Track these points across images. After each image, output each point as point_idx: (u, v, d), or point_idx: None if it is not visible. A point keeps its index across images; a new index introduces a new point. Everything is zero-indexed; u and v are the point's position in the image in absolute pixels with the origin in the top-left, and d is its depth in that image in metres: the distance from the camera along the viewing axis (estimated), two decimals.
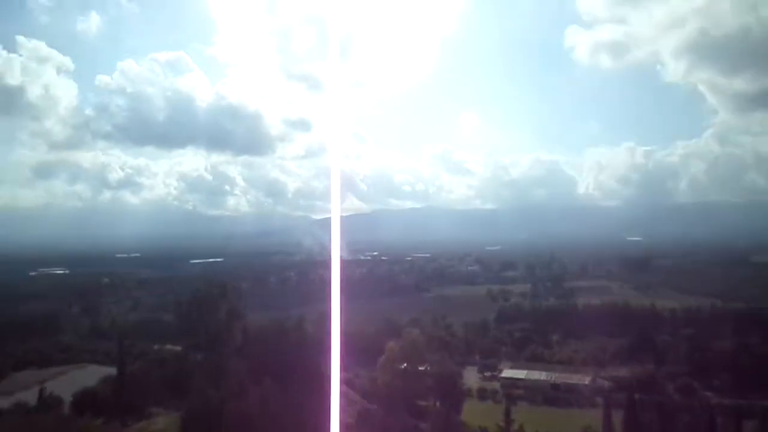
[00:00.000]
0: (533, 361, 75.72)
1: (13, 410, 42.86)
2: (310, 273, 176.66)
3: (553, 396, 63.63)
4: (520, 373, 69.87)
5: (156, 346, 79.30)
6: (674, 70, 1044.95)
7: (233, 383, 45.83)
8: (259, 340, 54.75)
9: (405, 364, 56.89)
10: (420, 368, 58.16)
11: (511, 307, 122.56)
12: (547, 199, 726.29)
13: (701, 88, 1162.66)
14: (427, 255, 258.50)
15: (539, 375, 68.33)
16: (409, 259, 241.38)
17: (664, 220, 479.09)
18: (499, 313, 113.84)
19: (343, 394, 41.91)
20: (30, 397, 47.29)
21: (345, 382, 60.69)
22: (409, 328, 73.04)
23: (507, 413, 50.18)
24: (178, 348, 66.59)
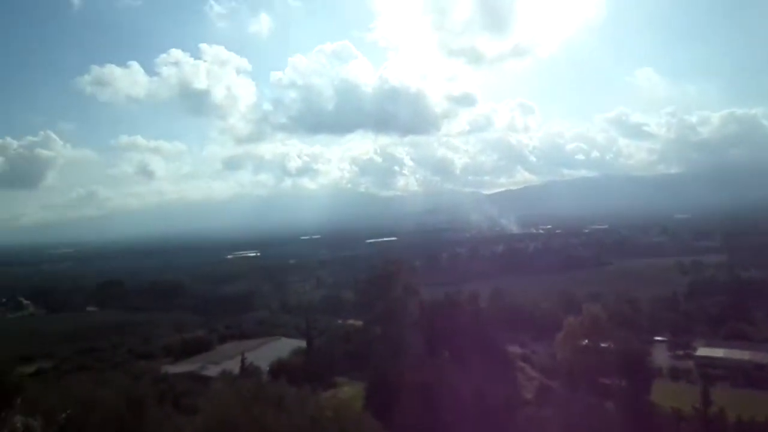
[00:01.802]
0: (732, 339, 67.74)
1: (221, 377, 47.43)
2: (481, 248, 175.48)
3: (758, 377, 56.34)
4: (717, 352, 62.87)
5: (339, 321, 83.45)
6: None
7: (411, 356, 46.46)
8: (434, 315, 54.96)
9: (586, 341, 53.70)
10: (602, 345, 54.58)
11: (704, 280, 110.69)
12: (745, 158, 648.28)
13: None
14: (605, 226, 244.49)
15: (741, 354, 60.90)
16: (586, 231, 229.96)
17: None
18: (690, 287, 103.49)
19: (520, 369, 40.42)
20: (233, 365, 51.56)
21: (522, 357, 59.12)
22: (589, 302, 68.96)
23: (704, 394, 45.18)
24: (359, 323, 69.31)
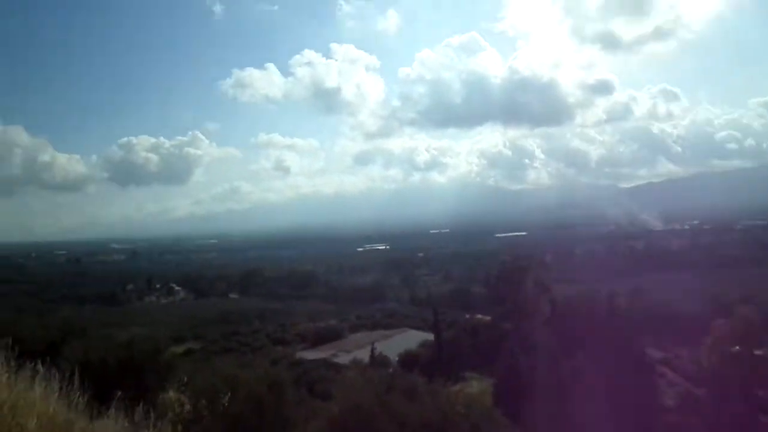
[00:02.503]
0: None
1: (352, 365, 48.93)
2: (618, 245, 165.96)
3: None
4: None
5: (467, 315, 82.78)
6: None
7: (543, 354, 44.92)
8: (567, 313, 52.77)
9: (737, 347, 48.96)
10: (756, 352, 49.47)
11: None
12: None
13: None
14: (762, 222, 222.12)
15: None
16: (738, 227, 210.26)
17: None
18: None
19: (660, 375, 37.58)
20: (363, 354, 52.87)
21: (663, 362, 55.17)
22: (742, 305, 62.82)
23: None
24: (488, 318, 68.29)
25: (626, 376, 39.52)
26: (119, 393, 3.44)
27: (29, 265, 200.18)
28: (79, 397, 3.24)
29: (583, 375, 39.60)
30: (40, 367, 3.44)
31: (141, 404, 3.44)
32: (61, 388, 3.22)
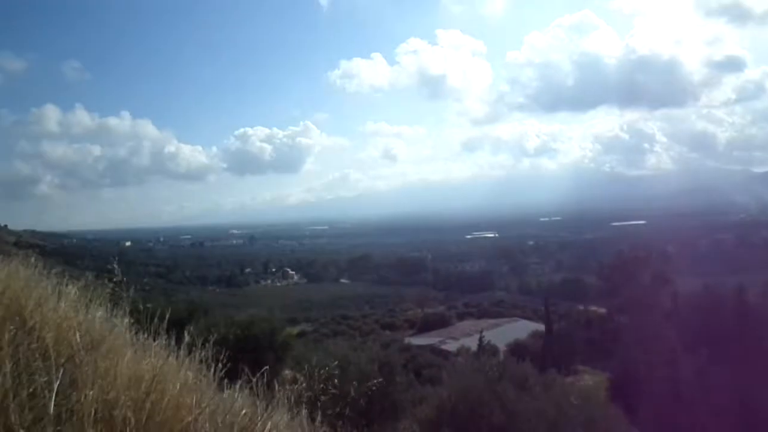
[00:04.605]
0: None
1: (459, 352, 48.83)
2: (750, 235, 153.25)
3: None
4: None
5: (579, 307, 79.90)
6: None
7: (663, 350, 42.51)
8: (690, 307, 49.53)
9: None
10: None
11: None
12: None
13: None
14: None
15: None
16: None
17: None
18: None
19: None
20: (471, 342, 52.38)
21: None
22: None
23: None
24: (602, 310, 65.59)
25: (755, 376, 36.56)
26: (243, 368, 3.59)
27: (157, 248, 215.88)
28: (208, 369, 3.41)
29: (706, 374, 37.11)
30: (172, 341, 3.66)
31: (261, 380, 3.58)
32: (190, 361, 3.40)
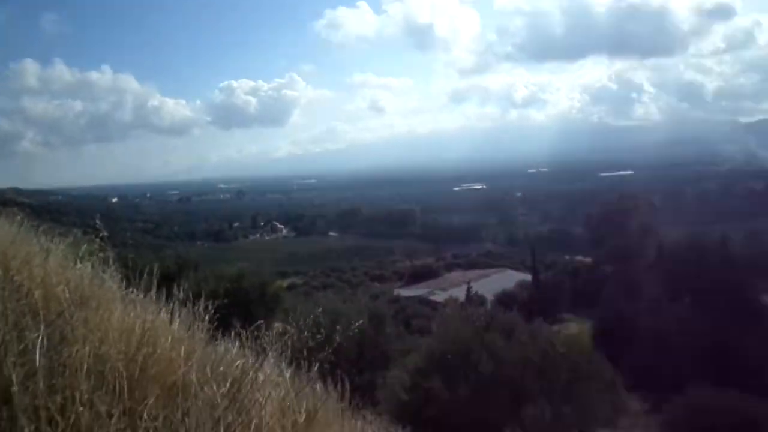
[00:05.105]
0: None
1: (448, 303, 49.57)
2: (735, 185, 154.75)
3: None
4: None
5: (566, 257, 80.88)
6: None
7: (646, 299, 43.37)
8: (674, 257, 50.26)
9: None
10: None
11: None
12: None
13: None
14: None
15: None
16: None
17: None
18: None
19: None
20: (459, 293, 53.05)
21: None
22: None
23: None
24: (588, 260, 66.46)
25: (738, 324, 37.44)
26: (237, 322, 3.63)
27: (144, 204, 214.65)
28: (199, 323, 3.44)
29: (689, 321, 37.97)
30: (161, 296, 3.68)
31: (252, 333, 3.63)
32: (180, 315, 3.43)
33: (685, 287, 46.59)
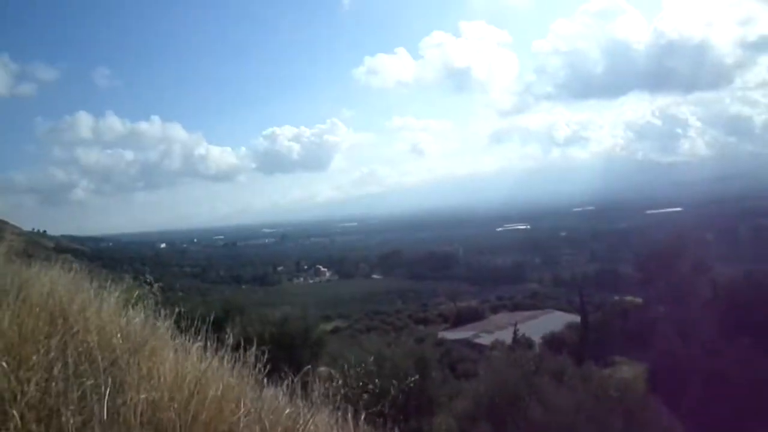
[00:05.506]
0: None
1: (494, 346, 48.53)
2: None
3: None
4: None
5: (615, 297, 78.61)
6: None
7: (702, 340, 41.60)
8: (730, 296, 48.30)
9: None
10: None
11: None
12: None
13: None
14: None
15: None
16: None
17: None
18: None
19: None
20: (505, 335, 51.89)
21: None
22: None
23: None
24: (638, 300, 64.51)
25: None
26: (283, 366, 3.63)
27: (191, 249, 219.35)
28: (248, 368, 3.46)
29: (748, 363, 36.18)
30: (208, 341, 3.71)
31: (297, 377, 3.61)
32: (230, 361, 3.44)
33: (743, 327, 44.61)
